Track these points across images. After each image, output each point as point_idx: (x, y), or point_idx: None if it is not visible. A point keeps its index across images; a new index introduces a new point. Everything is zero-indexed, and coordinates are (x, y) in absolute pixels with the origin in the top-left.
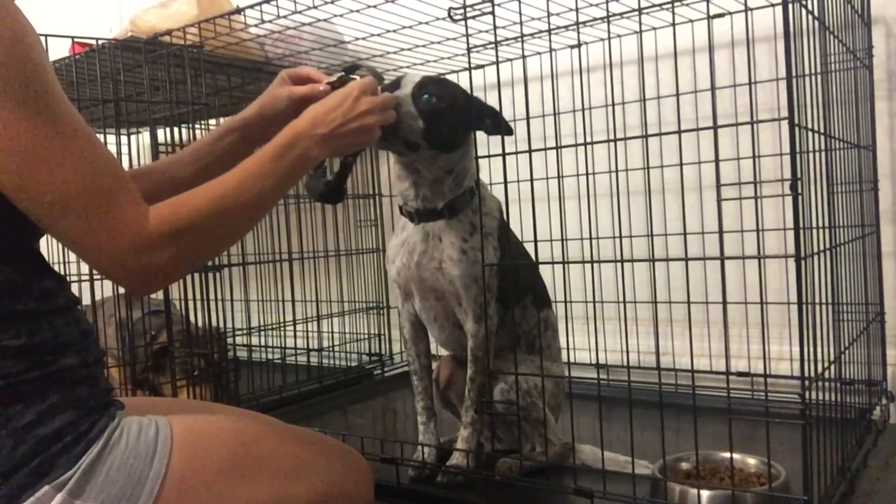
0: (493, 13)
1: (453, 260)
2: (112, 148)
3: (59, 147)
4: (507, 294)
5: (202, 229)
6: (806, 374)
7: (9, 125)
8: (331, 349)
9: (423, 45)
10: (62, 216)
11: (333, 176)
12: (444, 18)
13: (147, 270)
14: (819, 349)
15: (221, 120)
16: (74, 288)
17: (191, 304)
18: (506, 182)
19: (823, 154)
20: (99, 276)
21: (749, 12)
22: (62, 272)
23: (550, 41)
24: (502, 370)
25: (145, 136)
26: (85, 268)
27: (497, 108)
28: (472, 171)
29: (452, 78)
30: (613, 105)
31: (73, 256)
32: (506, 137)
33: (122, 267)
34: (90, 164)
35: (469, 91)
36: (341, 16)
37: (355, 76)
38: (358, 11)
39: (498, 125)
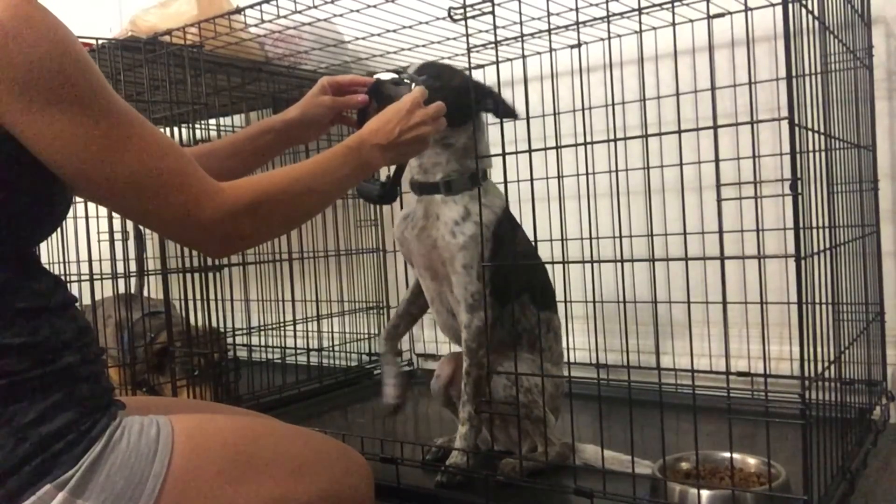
0: (493, 13)
1: (445, 241)
2: None
3: (120, 136)
4: (501, 289)
5: (279, 203)
6: (806, 374)
7: (69, 126)
8: (331, 349)
9: (423, 45)
10: (138, 198)
11: (389, 178)
12: (444, 18)
13: (232, 236)
14: (819, 349)
15: (221, 120)
16: (74, 288)
17: (191, 304)
18: (506, 182)
19: (823, 154)
20: (98, 276)
21: (749, 12)
22: (62, 272)
23: (550, 41)
24: (502, 365)
25: None
26: (85, 268)
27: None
28: (474, 153)
29: None
30: (613, 105)
31: (72, 256)
32: (506, 138)
33: (209, 234)
34: (153, 146)
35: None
36: (341, 16)
37: (405, 79)
38: (358, 11)
39: (499, 106)
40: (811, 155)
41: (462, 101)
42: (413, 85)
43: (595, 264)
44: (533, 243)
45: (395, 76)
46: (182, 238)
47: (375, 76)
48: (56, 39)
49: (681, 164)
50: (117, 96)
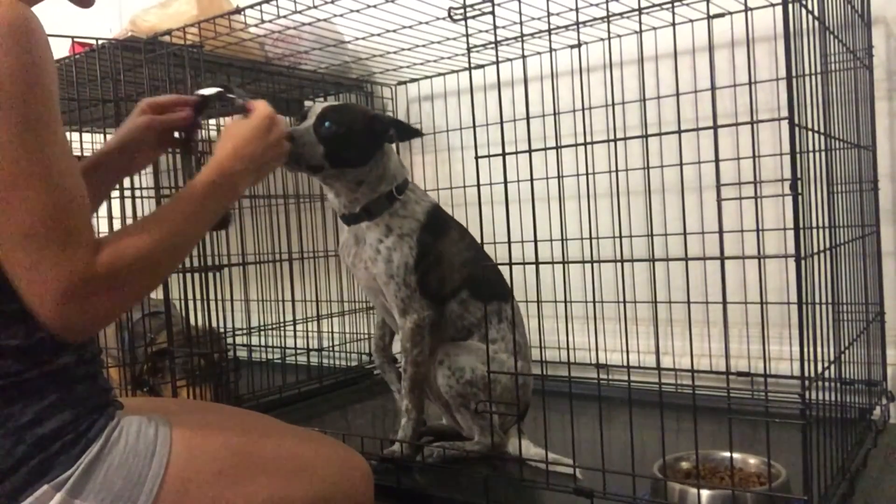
0: (493, 13)
1: (372, 260)
2: None
3: (36, 176)
4: (434, 289)
5: (144, 270)
6: (806, 374)
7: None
8: (331, 349)
9: (423, 45)
10: (17, 245)
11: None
12: (444, 18)
13: (83, 315)
14: (819, 349)
15: (222, 120)
16: None
17: (191, 304)
18: (506, 182)
19: (823, 154)
20: None
21: (749, 12)
22: None
23: (550, 41)
24: (450, 355)
25: None
26: None
27: (398, 119)
28: (388, 177)
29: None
30: (613, 105)
31: None
32: (506, 137)
33: (60, 308)
34: (61, 197)
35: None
36: (341, 16)
37: (229, 95)
38: (358, 11)
39: (402, 132)
40: (811, 155)
41: (365, 139)
42: (242, 100)
43: (595, 264)
44: (475, 238)
45: (220, 90)
46: (37, 306)
47: (197, 92)
48: (23, 61)
49: (681, 164)
50: (60, 135)
